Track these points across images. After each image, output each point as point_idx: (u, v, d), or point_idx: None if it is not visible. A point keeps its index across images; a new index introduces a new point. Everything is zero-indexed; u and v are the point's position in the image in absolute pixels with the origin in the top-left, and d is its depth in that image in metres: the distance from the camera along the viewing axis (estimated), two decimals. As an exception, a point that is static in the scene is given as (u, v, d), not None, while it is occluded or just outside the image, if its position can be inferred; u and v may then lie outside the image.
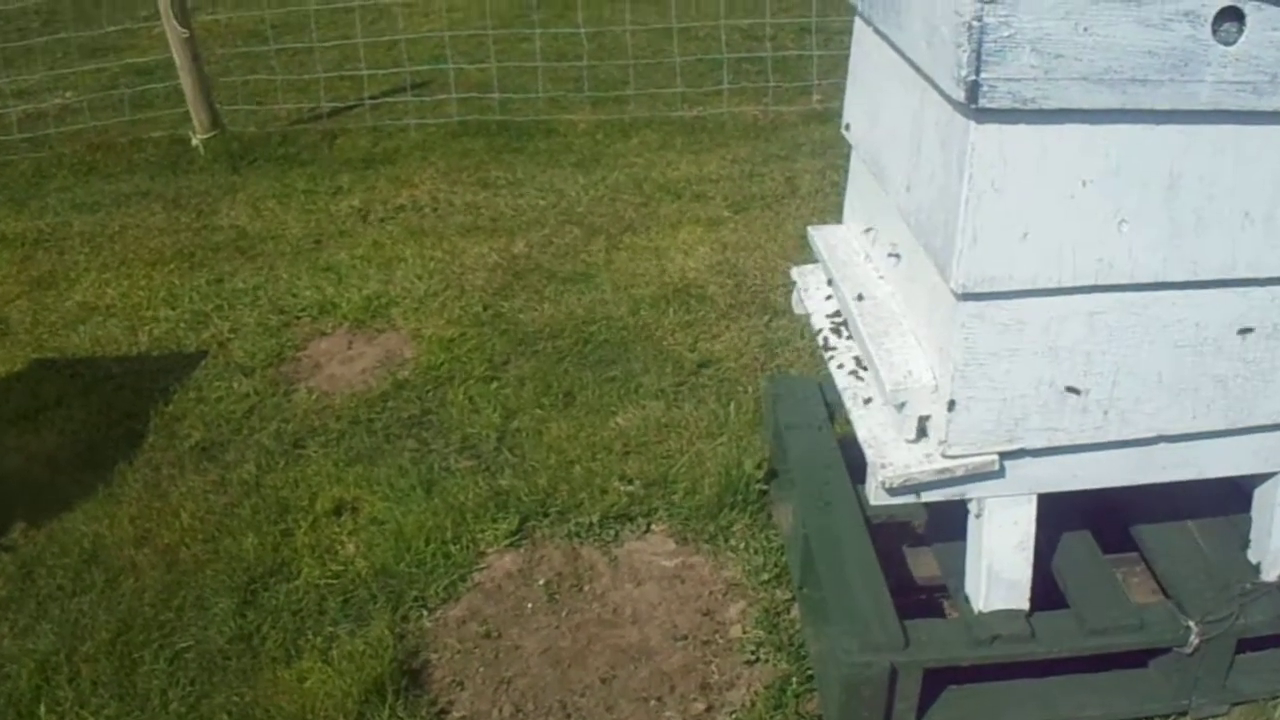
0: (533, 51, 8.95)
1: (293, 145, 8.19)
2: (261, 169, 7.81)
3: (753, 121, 8.48)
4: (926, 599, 3.73)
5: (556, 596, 3.92)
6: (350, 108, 8.80)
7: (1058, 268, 2.66)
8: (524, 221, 6.82)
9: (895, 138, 3.06)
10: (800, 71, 8.98)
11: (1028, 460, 2.93)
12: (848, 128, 3.52)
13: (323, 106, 8.68)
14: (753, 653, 3.66)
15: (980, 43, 2.44)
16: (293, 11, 10.18)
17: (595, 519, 4.24)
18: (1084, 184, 2.61)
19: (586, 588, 3.97)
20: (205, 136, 8.14)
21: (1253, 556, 3.34)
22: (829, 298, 3.55)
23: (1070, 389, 2.89)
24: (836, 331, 3.43)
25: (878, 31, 3.18)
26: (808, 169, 7.51)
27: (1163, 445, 3.02)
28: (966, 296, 2.68)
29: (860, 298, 3.30)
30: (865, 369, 3.26)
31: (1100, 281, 2.71)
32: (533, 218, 6.88)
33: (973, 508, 3.05)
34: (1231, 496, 3.47)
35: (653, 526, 4.24)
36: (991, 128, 2.51)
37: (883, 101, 3.19)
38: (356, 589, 3.93)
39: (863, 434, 3.06)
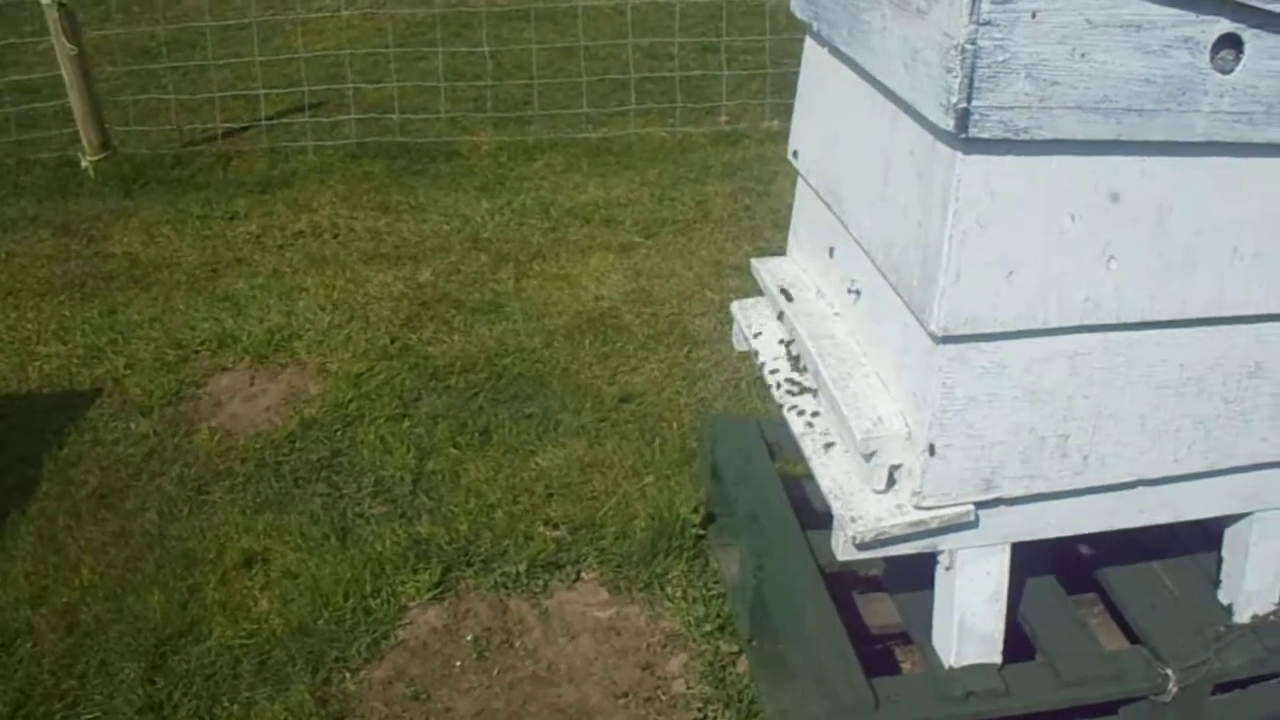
0: (432, 70, 8.85)
1: (186, 168, 7.96)
2: (154, 192, 7.56)
3: (660, 143, 8.37)
4: (883, 649, 3.61)
5: (486, 654, 3.75)
6: (245, 128, 8.59)
7: (1043, 307, 2.55)
8: (429, 248, 6.66)
9: (858, 167, 2.93)
10: (707, 92, 8.92)
11: (1003, 509, 2.81)
12: (795, 154, 3.35)
13: (217, 127, 8.46)
14: (700, 710, 3.52)
15: (973, 68, 2.28)
16: (185, 28, 9.99)
17: (522, 568, 4.06)
18: (1073, 219, 2.50)
19: (517, 643, 3.80)
20: (96, 158, 7.90)
21: (1224, 597, 3.26)
22: (780, 340, 3.36)
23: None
24: (789, 373, 3.22)
25: (837, 53, 3.01)
26: (719, 192, 7.37)
27: (1141, 489, 2.91)
28: (947, 339, 2.54)
29: (817, 336, 3.11)
30: (819, 414, 3.08)
31: (1086, 321, 2.60)
32: (437, 244, 6.72)
33: (943, 560, 2.94)
34: (1194, 534, 3.39)
35: (583, 574, 4.07)
36: (979, 159, 2.38)
37: (841, 128, 3.04)
38: (273, 649, 3.72)
39: (826, 484, 2.88)
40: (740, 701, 3.52)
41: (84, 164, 7.86)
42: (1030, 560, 3.17)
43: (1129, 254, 2.55)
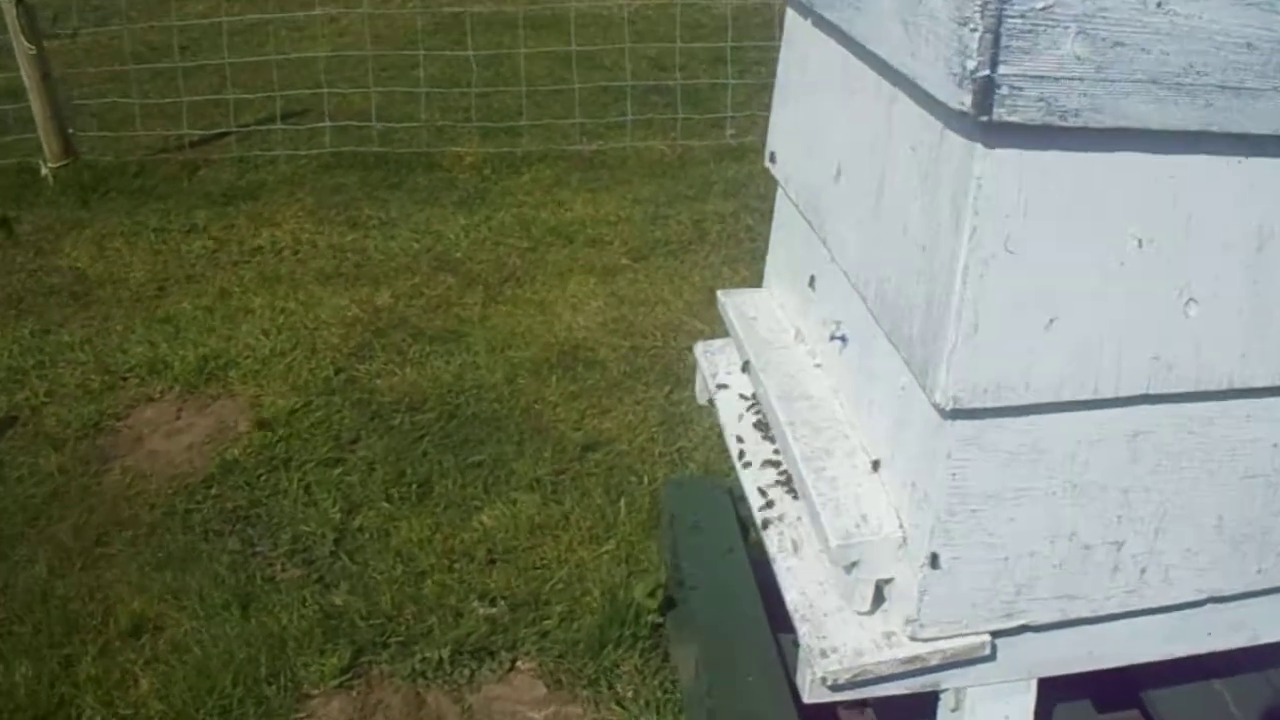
0: (419, 78, 8.67)
1: (150, 177, 7.71)
2: (113, 203, 7.31)
3: (658, 157, 8.02)
4: None
5: None
6: (217, 136, 8.35)
7: (1094, 371, 1.92)
8: (393, 268, 6.30)
9: (844, 172, 2.35)
10: (713, 103, 8.52)
11: (1029, 637, 2.20)
12: (773, 159, 2.83)
13: (187, 134, 8.22)
14: None
15: (999, 18, 1.58)
16: (158, 28, 9.78)
17: (445, 653, 3.56)
18: (1140, 244, 1.86)
19: None
20: (56, 165, 7.67)
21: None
22: (744, 396, 2.76)
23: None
24: (753, 442, 2.57)
25: (822, 23, 2.34)
26: (719, 211, 6.97)
27: (1210, 607, 2.29)
28: (958, 413, 1.91)
29: (789, 397, 2.45)
30: (786, 499, 2.46)
31: (1153, 389, 1.97)
32: (403, 263, 6.36)
33: (948, 699, 2.31)
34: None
35: (518, 664, 3.58)
36: (1008, 155, 1.74)
37: (825, 121, 2.46)
38: None
39: (792, 597, 2.25)
40: (694, 846, 3.00)
41: (43, 171, 7.66)
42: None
43: (1215, 296, 1.93)
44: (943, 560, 2.02)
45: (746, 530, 3.32)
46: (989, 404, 1.89)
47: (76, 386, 5.11)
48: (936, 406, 1.91)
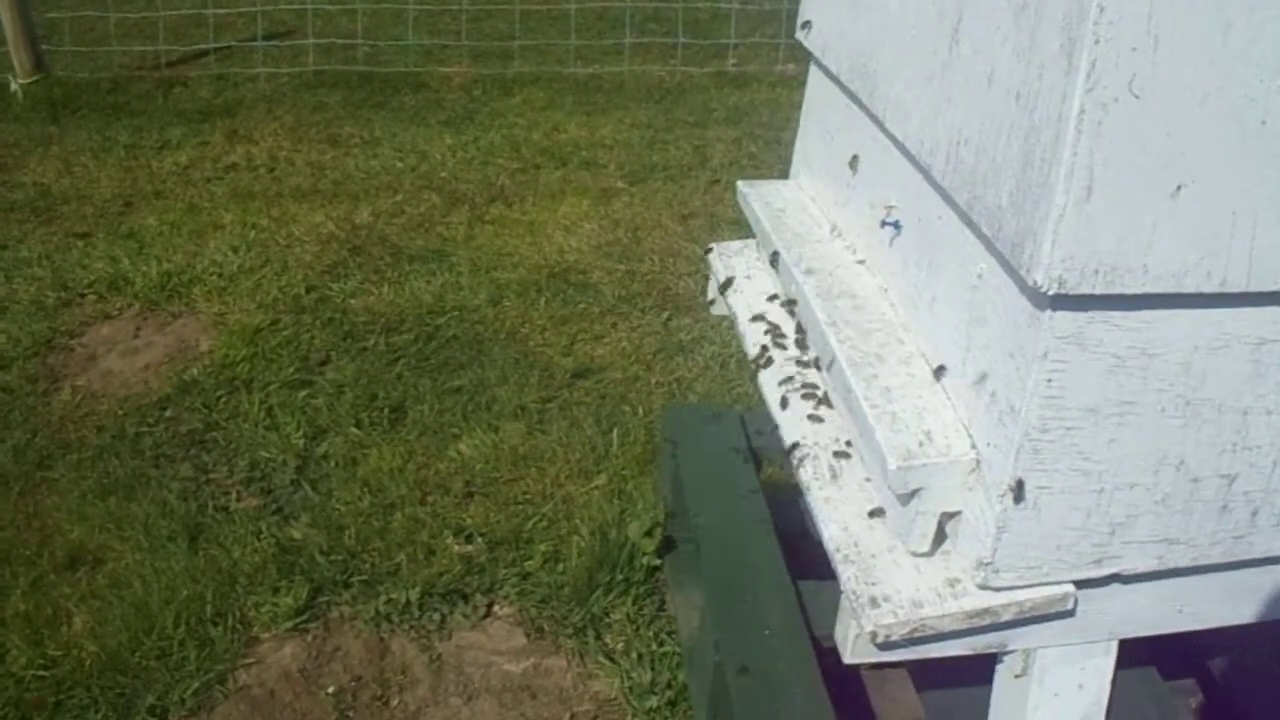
0: None
1: (123, 94, 7.38)
2: (84, 119, 6.97)
3: (657, 83, 7.78)
4: None
5: (350, 714, 3.04)
6: (196, 55, 8.04)
7: (1224, 256, 1.59)
8: (374, 186, 6.05)
9: (904, 23, 2.01)
10: (715, 30, 8.33)
11: (1116, 590, 1.88)
12: (806, 27, 2.48)
13: (164, 52, 7.93)
14: None
15: None
16: None
17: (414, 595, 3.33)
18: None
19: (395, 702, 3.08)
20: (26, 81, 7.34)
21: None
22: (774, 298, 2.43)
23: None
24: (783, 348, 2.22)
25: None
26: (720, 137, 6.73)
27: None
28: (1060, 301, 1.56)
29: (829, 295, 2.09)
30: (825, 414, 2.15)
31: None
32: (385, 182, 6.11)
33: (1013, 663, 1.99)
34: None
35: (495, 609, 3.35)
36: None
37: None
38: (74, 688, 3.05)
39: (831, 533, 1.92)
40: (694, 818, 2.74)
41: (13, 87, 7.36)
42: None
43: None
44: (1029, 490, 1.67)
45: (759, 462, 3.06)
46: (1099, 289, 1.55)
47: (31, 303, 4.87)
48: (1033, 291, 1.58)
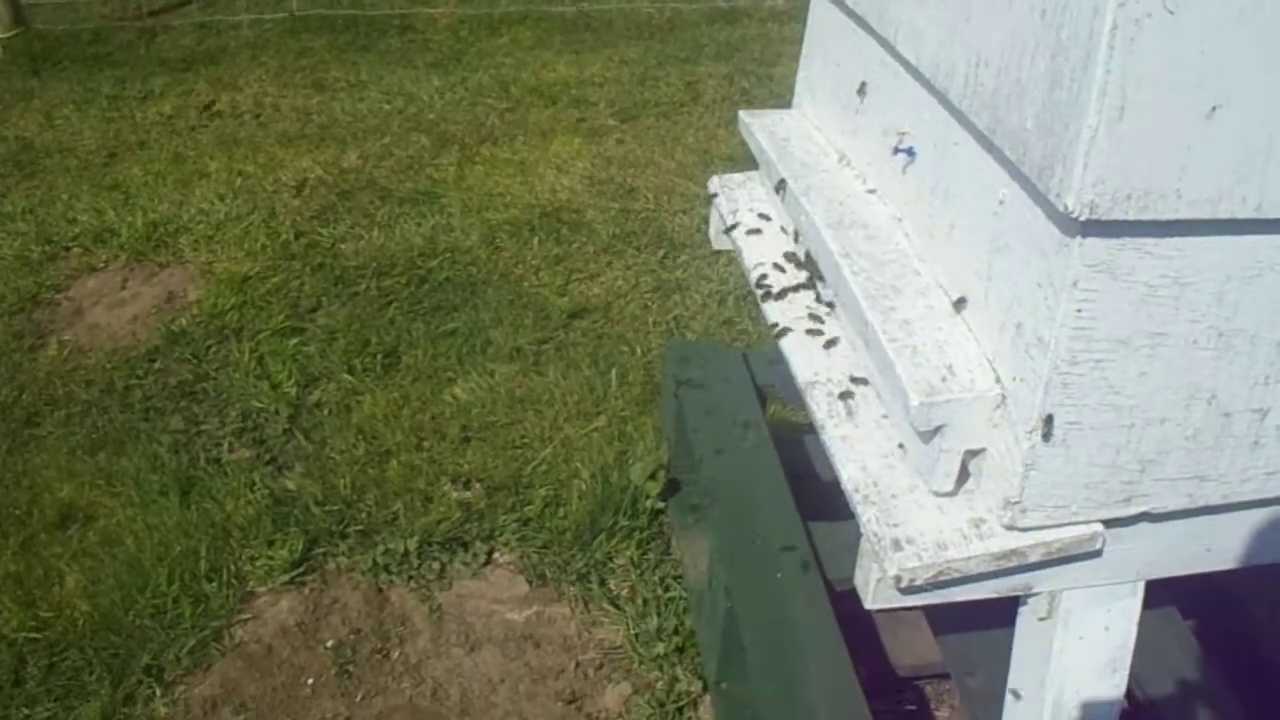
0: None
1: (105, 45, 7.28)
2: (65, 72, 6.88)
3: (646, 20, 7.71)
4: (912, 695, 2.80)
5: (350, 668, 3.01)
6: (179, 3, 7.96)
7: (1259, 180, 1.51)
8: (361, 129, 6.00)
9: None
10: None
11: (1144, 529, 1.81)
12: None
13: (146, 1, 7.82)
14: None
15: None
16: None
17: (412, 544, 3.29)
18: None
19: (395, 654, 3.06)
20: (6, 35, 7.26)
21: None
22: (779, 228, 2.37)
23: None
24: (793, 281, 2.19)
25: None
26: (712, 73, 6.66)
27: None
28: (1091, 228, 1.49)
29: (840, 225, 2.02)
30: (838, 347, 2.09)
31: None
32: (373, 125, 6.06)
33: (1037, 605, 1.93)
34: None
35: (495, 556, 3.32)
36: None
37: None
38: (68, 649, 3.02)
39: (850, 473, 1.84)
40: (704, 768, 2.66)
41: None
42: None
43: None
44: (1058, 426, 1.60)
45: (765, 399, 3.00)
46: (1131, 215, 1.47)
47: (15, 258, 4.83)
48: (1062, 217, 1.51)
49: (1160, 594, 2.27)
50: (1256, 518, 1.90)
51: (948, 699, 2.85)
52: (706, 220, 4.49)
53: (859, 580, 1.80)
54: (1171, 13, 1.35)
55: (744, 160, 2.70)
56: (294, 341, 4.18)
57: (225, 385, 3.98)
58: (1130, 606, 1.93)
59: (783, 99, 2.71)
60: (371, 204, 5.16)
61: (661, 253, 4.71)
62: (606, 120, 6.05)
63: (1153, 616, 2.23)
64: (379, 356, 4.08)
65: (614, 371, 3.96)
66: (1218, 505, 1.83)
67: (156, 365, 4.11)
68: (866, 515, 1.75)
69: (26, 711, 2.85)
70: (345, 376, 3.98)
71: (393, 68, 6.87)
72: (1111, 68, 1.38)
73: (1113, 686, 1.99)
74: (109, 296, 4.55)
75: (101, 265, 4.76)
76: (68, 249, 4.89)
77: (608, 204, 5.12)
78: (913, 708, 2.74)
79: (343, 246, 4.82)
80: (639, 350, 4.08)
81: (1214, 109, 1.44)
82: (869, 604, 1.78)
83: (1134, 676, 2.17)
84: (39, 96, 6.51)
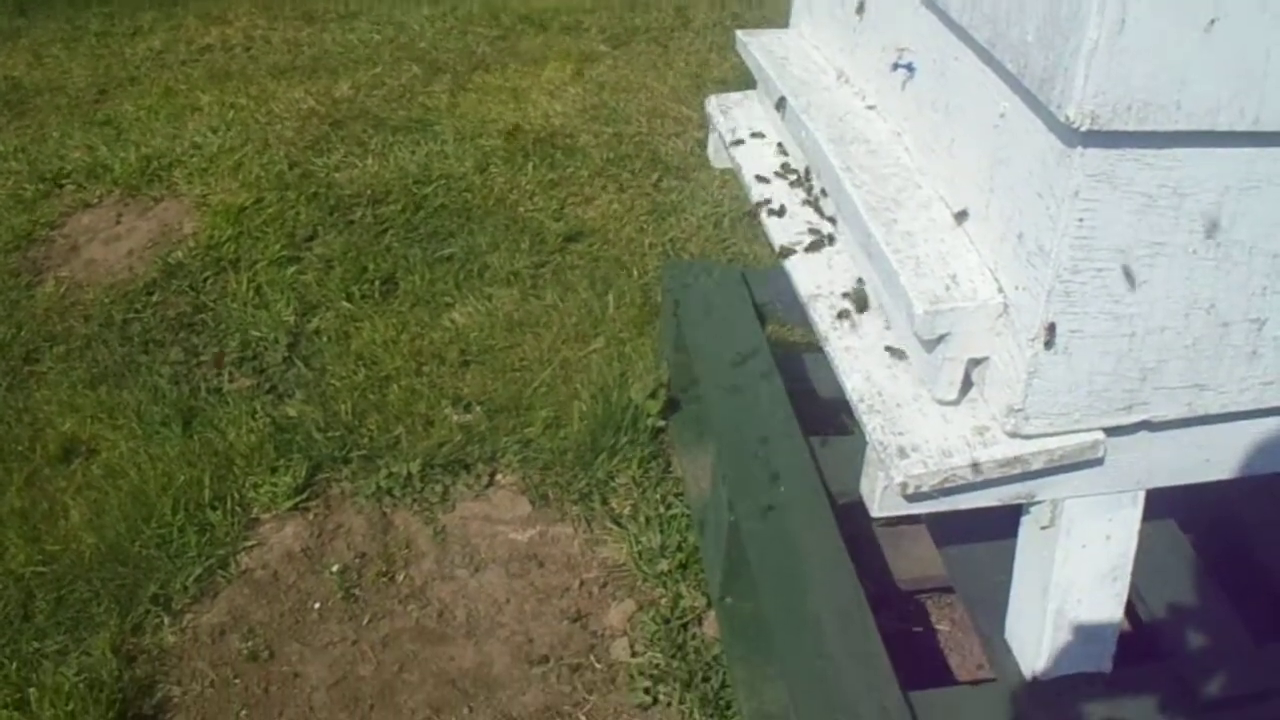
0: None
1: None
2: (53, 9, 6.76)
3: None
4: (914, 609, 2.80)
5: (356, 591, 3.00)
6: None
7: (1257, 93, 1.54)
8: (352, 59, 5.95)
9: None
10: None
11: (1144, 437, 1.85)
12: None
13: None
14: (647, 691, 2.75)
15: None
16: None
17: (414, 467, 3.27)
18: None
19: (401, 577, 3.05)
20: None
21: None
22: (778, 145, 2.36)
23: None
24: (794, 197, 2.18)
25: None
26: None
27: None
28: (1092, 138, 1.51)
29: (842, 140, 2.03)
30: (841, 261, 2.06)
31: None
32: (364, 55, 6.01)
33: (1040, 514, 1.96)
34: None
35: (498, 477, 3.30)
36: None
37: None
38: (75, 581, 3.00)
39: (854, 383, 1.87)
40: (706, 682, 2.72)
41: None
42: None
43: None
44: (1060, 334, 1.62)
45: (763, 318, 3.02)
46: (1131, 126, 1.50)
47: (9, 196, 4.76)
48: (1063, 128, 1.53)
49: (1159, 507, 2.29)
50: (1254, 428, 1.93)
51: (948, 612, 2.85)
52: (700, 144, 4.49)
53: (865, 488, 1.83)
54: (1171, -75, 1.38)
55: (736, 83, 2.70)
56: (291, 270, 4.15)
57: (223, 316, 3.96)
58: (1131, 516, 1.97)
59: (774, 22, 2.71)
60: (365, 133, 5.11)
61: (655, 176, 4.68)
62: (597, 46, 6.02)
63: (1152, 528, 2.25)
64: (376, 283, 4.06)
65: (611, 294, 3.93)
66: (1216, 415, 1.87)
67: (154, 298, 4.08)
68: (872, 424, 1.78)
69: (36, 644, 2.84)
70: (343, 304, 3.96)
71: (382, -3, 6.74)
72: (1113, -20, 1.39)
73: (1114, 595, 2.04)
74: (104, 232, 4.52)
75: (95, 201, 4.72)
76: (61, 186, 4.85)
77: (600, 129, 5.09)
78: (918, 630, 2.74)
79: (337, 175, 4.77)
80: (635, 272, 4.07)
81: (1212, 22, 1.46)
82: (875, 511, 1.81)
83: (1133, 588, 2.20)
84: (26, 35, 6.43)
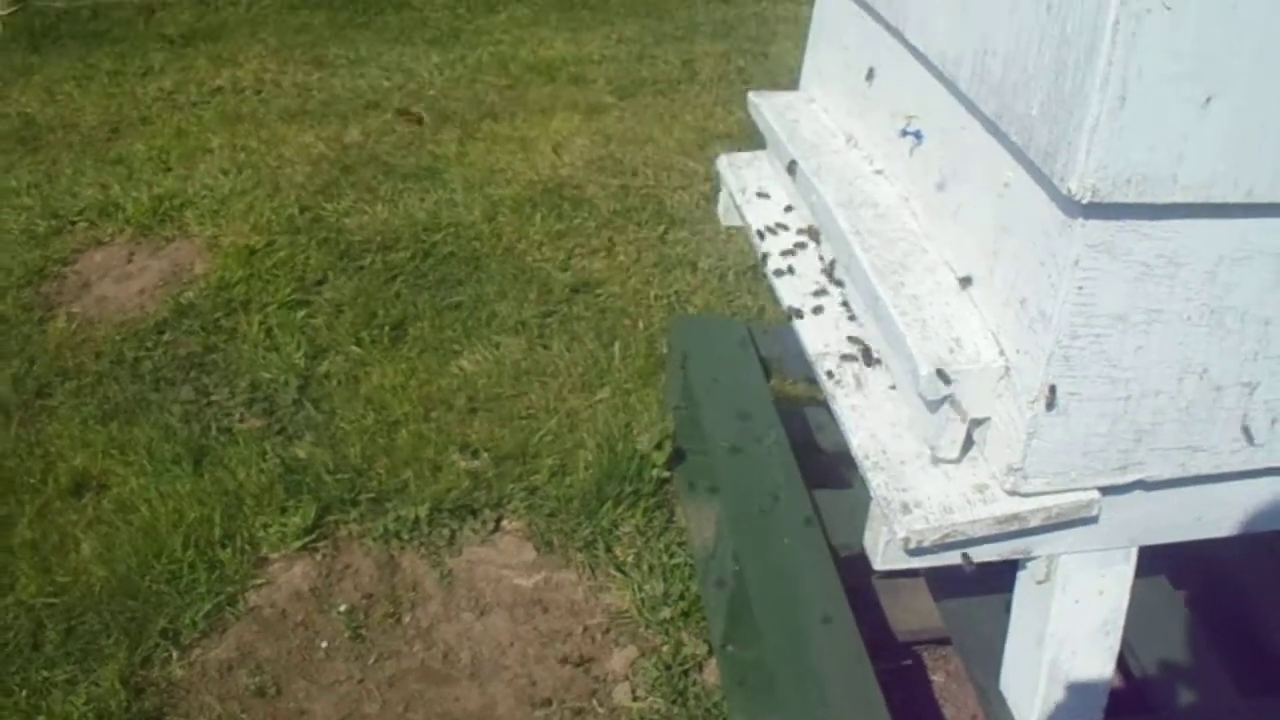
0: None
1: (104, 21, 7.23)
2: (65, 48, 6.83)
3: None
4: (911, 663, 2.83)
5: (363, 632, 3.02)
6: None
7: (1251, 167, 1.59)
8: (362, 105, 5.98)
9: None
10: None
11: (1138, 497, 1.89)
12: None
13: None
14: None
15: None
16: None
17: (422, 511, 3.29)
18: None
19: (407, 618, 3.07)
20: (5, 12, 7.20)
21: None
22: (787, 207, 2.41)
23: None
24: (803, 257, 2.23)
25: None
26: (709, 52, 6.67)
27: None
28: (1093, 210, 1.56)
29: (851, 204, 2.08)
30: (849, 321, 2.07)
31: None
32: (373, 101, 6.04)
33: (1035, 569, 2.01)
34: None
35: (504, 523, 3.33)
36: None
37: None
38: (85, 613, 3.02)
39: (859, 441, 1.91)
40: (708, 727, 2.70)
41: None
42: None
43: None
44: (1060, 396, 1.68)
45: (769, 371, 3.06)
46: (1130, 198, 1.55)
47: (21, 232, 4.77)
48: (1065, 200, 1.58)
49: (1151, 563, 2.31)
50: (1246, 488, 1.96)
51: (944, 664, 2.88)
52: (705, 197, 4.56)
53: (868, 542, 1.86)
54: (1169, 9, 1.43)
55: (741, 138, 2.74)
56: (301, 314, 4.16)
57: (234, 357, 3.96)
58: (1123, 572, 2.00)
59: (778, 77, 2.76)
60: (374, 179, 5.13)
61: (662, 228, 4.71)
62: (605, 97, 6.04)
63: (1144, 584, 2.29)
64: (386, 329, 4.07)
65: (617, 345, 3.95)
66: (1209, 475, 1.88)
67: (165, 337, 4.08)
68: (876, 480, 1.82)
69: (46, 673, 2.84)
70: (353, 348, 3.98)
71: (391, 44, 6.84)
72: (1114, 59, 1.45)
73: (1106, 649, 2.06)
74: (116, 270, 4.52)
75: (107, 239, 4.72)
76: (73, 223, 4.84)
77: (607, 180, 5.11)
78: (908, 663, 2.78)
79: (347, 221, 4.79)
80: (641, 324, 4.08)
81: (1209, 99, 1.50)
82: (878, 565, 1.84)
83: (1125, 642, 2.22)
84: (40, 72, 6.44)
